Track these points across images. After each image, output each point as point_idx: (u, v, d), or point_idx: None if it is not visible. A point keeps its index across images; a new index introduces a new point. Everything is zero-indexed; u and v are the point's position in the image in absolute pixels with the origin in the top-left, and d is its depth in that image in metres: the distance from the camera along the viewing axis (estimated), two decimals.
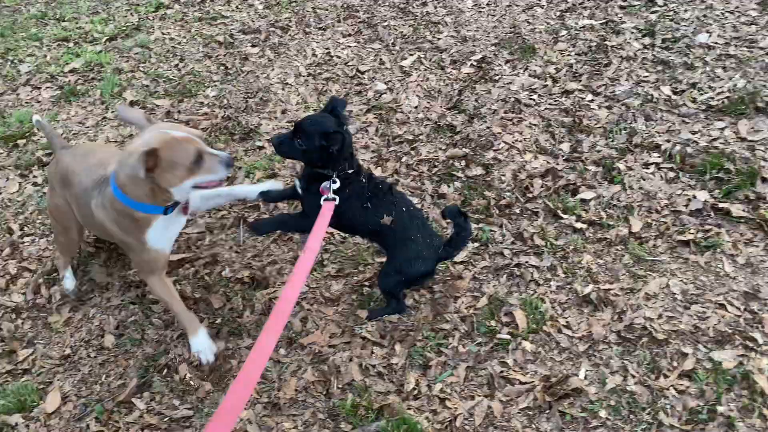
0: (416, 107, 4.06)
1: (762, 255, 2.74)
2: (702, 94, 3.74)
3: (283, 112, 4.18)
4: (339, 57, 4.66)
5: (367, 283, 2.93)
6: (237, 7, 5.53)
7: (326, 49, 4.77)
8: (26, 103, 4.55)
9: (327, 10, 5.28)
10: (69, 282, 3.03)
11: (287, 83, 4.45)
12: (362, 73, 4.45)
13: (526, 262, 2.89)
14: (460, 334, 2.63)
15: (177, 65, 4.82)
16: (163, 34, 5.25)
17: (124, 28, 5.36)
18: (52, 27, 5.53)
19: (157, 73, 4.70)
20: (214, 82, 4.56)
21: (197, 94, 4.44)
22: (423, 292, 2.84)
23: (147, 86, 4.56)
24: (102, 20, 5.52)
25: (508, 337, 2.56)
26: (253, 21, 5.26)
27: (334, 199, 2.37)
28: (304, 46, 4.83)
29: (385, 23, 4.97)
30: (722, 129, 3.48)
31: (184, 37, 5.17)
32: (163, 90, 4.52)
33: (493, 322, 2.63)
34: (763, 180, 3.07)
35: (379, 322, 2.71)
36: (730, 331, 2.45)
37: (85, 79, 4.75)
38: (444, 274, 2.91)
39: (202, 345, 2.57)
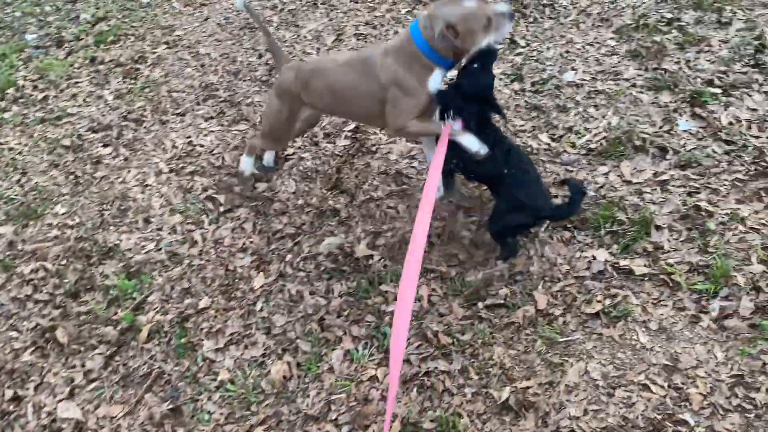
0: (294, 193, 3.74)
1: (672, 315, 2.61)
2: (580, 137, 3.66)
3: (147, 220, 3.74)
4: (202, 145, 4.27)
5: None
6: (84, 101, 5.02)
7: (187, 138, 4.37)
8: None
9: (184, 92, 4.88)
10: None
11: (147, 185, 4.01)
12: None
13: (436, 368, 2.61)
14: None
15: (19, 181, 4.26)
16: (0, 144, 4.66)
17: None
18: None
19: None
20: (63, 195, 4.04)
21: (44, 214, 3.91)
22: (329, 429, 2.49)
23: None
24: None
25: None
26: (103, 116, 4.77)
27: None
28: (162, 138, 4.40)
29: (249, 100, 4.63)
30: (606, 174, 3.40)
31: (26, 145, 4.61)
32: (4, 214, 3.95)
33: None
34: (657, 228, 2.97)
35: None
36: (659, 416, 2.27)
37: None
38: (350, 400, 2.58)
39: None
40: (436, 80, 2.73)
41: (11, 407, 2.83)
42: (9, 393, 2.88)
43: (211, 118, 4.55)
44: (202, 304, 3.16)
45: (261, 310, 3.07)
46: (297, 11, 5.70)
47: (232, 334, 2.98)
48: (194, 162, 4.13)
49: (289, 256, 3.32)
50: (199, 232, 3.59)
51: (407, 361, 2.67)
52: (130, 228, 3.70)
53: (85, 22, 6.30)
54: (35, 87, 5.36)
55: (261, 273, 3.26)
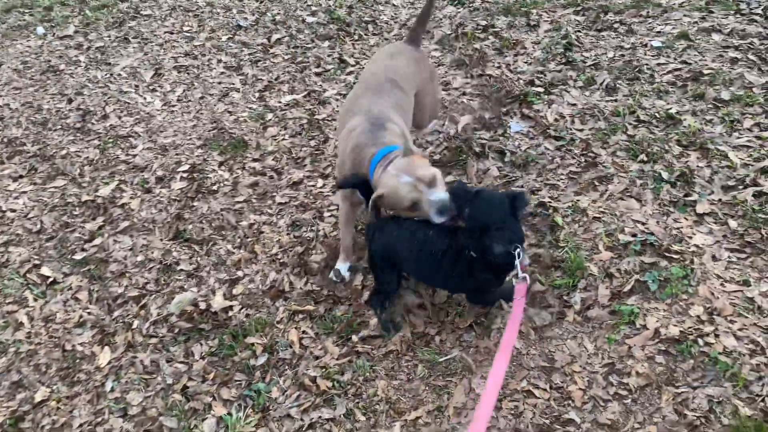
0: (131, 249, 3.37)
1: (539, 315, 2.66)
2: (424, 150, 3.67)
3: None
4: (14, 210, 3.73)
5: None
6: None
7: None
8: None
9: None
10: None
11: None
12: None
13: (320, 417, 2.43)
14: None
15: None
16: None
17: None
18: None
19: None
20: None
21: None
22: None
23: None
24: None
25: None
26: None
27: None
28: None
29: (64, 151, 4.14)
30: (452, 182, 3.43)
31: None
32: None
33: None
34: None
35: None
36: (547, 421, 2.28)
37: None
38: None
39: None
40: None
41: None
42: None
43: (21, 177, 4.00)
44: (39, 397, 2.72)
45: (112, 390, 2.70)
46: (106, 48, 5.24)
47: (81, 425, 2.58)
48: (6, 231, 3.59)
49: (136, 323, 2.97)
50: (24, 311, 3.11)
51: (287, 416, 2.47)
52: None
53: None
54: None
55: (106, 347, 2.88)
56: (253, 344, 2.74)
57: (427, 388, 2.49)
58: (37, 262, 3.37)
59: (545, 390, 2.39)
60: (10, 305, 3.16)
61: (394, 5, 5.42)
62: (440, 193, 2.44)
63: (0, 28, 5.83)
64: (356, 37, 4.99)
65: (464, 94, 4.06)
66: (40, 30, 5.73)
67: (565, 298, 2.72)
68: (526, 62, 4.27)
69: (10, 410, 2.68)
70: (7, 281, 3.27)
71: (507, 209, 2.27)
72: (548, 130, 3.61)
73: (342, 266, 3.00)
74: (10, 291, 3.22)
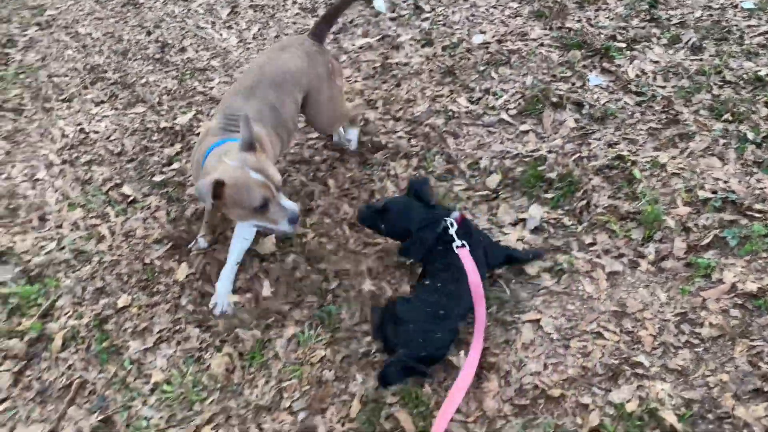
0: None
1: (613, 263, 2.66)
2: (498, 98, 3.65)
3: (42, 218, 3.34)
4: (97, 132, 3.88)
5: None
6: None
7: (78, 125, 3.95)
8: None
9: (67, 76, 4.42)
10: None
11: (37, 179, 3.59)
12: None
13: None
14: None
15: None
16: None
17: None
18: None
19: None
20: None
21: None
22: (283, 419, 2.33)
23: None
24: None
25: None
26: None
27: None
28: (48, 127, 3.95)
29: (143, 80, 4.26)
30: (527, 132, 3.41)
31: None
32: None
33: None
34: (586, 180, 3.02)
35: None
36: (616, 362, 2.30)
37: None
38: (302, 384, 2.43)
39: None
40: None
41: None
42: None
43: (103, 102, 4.15)
44: (121, 303, 2.87)
45: (188, 303, 2.83)
46: None
47: (160, 331, 2.72)
48: (90, 151, 3.75)
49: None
50: (106, 225, 3.26)
51: (355, 339, 2.55)
52: (24, 228, 3.29)
53: None
54: None
55: (183, 263, 3.00)
56: (325, 269, 2.82)
57: (494, 321, 2.52)
58: (118, 181, 3.51)
59: (615, 333, 2.40)
60: (93, 219, 3.31)
61: None
62: (289, 201, 2.35)
63: None
64: None
65: (542, 45, 4.00)
66: None
67: (639, 248, 2.70)
68: (607, 17, 4.16)
69: (95, 313, 2.83)
70: (91, 197, 3.42)
71: (417, 206, 2.55)
72: (629, 86, 3.54)
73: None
74: (93, 206, 3.37)
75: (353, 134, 3.40)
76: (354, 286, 2.74)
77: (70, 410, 2.49)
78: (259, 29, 4.68)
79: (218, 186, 2.18)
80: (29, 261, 3.09)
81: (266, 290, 2.79)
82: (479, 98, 3.70)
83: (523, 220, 2.90)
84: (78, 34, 4.86)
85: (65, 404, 2.50)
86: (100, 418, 2.44)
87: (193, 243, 3.05)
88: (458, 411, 2.24)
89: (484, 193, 3.09)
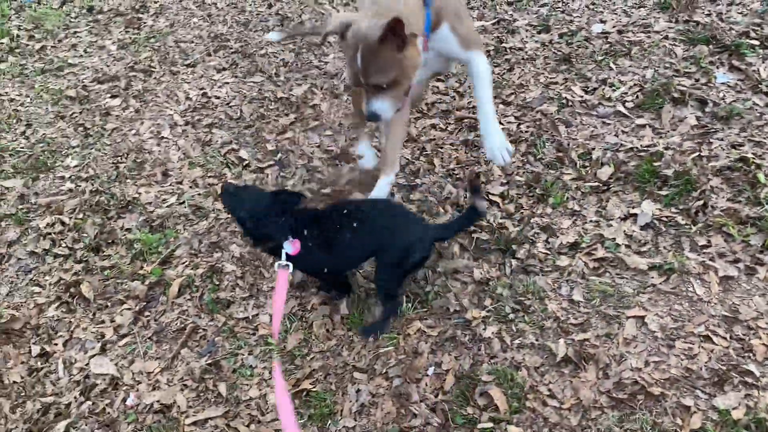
0: (318, 146, 3.60)
1: (727, 267, 2.55)
2: (615, 90, 3.55)
3: (165, 173, 3.58)
4: (218, 97, 4.09)
5: None
6: (86, 52, 4.79)
7: (201, 89, 4.18)
8: None
9: (192, 42, 4.67)
10: None
11: (162, 137, 3.84)
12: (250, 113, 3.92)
13: (484, 326, 2.53)
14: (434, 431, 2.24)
15: (24, 133, 4.05)
16: (7, 94, 4.42)
17: None
18: None
19: None
20: (74, 148, 3.85)
21: (55, 167, 3.73)
22: (379, 383, 2.42)
23: None
24: None
25: (491, 425, 2.19)
26: (107, 66, 4.55)
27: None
28: (174, 90, 4.21)
29: (263, 51, 4.44)
30: (644, 126, 3.31)
31: (27, 96, 4.39)
32: (11, 167, 3.76)
33: (469, 409, 2.26)
34: (704, 180, 2.90)
35: None
36: (723, 368, 2.23)
37: None
38: (398, 353, 2.50)
39: None
40: None
41: (39, 363, 2.71)
42: (36, 349, 2.75)
43: (224, 69, 4.36)
44: (232, 259, 3.04)
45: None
46: None
47: (268, 290, 2.87)
48: (211, 114, 3.96)
49: None
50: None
51: (449, 318, 2.59)
52: (149, 181, 3.54)
53: None
54: (31, 37, 5.10)
55: None
56: None
57: (597, 314, 2.49)
58: (235, 146, 3.70)
59: (725, 339, 2.31)
60: (211, 178, 3.51)
61: None
62: None
63: None
64: None
65: (666, 38, 3.84)
66: None
67: (758, 255, 2.57)
68: (740, 13, 3.93)
69: (209, 265, 3.02)
70: (210, 158, 3.62)
71: (265, 205, 2.44)
72: (759, 86, 3.34)
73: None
74: (211, 166, 3.57)
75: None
76: (450, 271, 2.77)
77: (183, 351, 2.69)
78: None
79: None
80: (152, 212, 3.33)
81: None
82: (595, 88, 3.61)
83: (634, 215, 2.83)
84: (204, 3, 5.12)
85: (179, 346, 2.70)
86: (209, 361, 2.61)
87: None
88: (553, 397, 2.24)
89: (594, 184, 3.03)
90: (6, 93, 4.46)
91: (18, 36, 5.10)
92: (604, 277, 2.63)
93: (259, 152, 3.62)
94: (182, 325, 2.79)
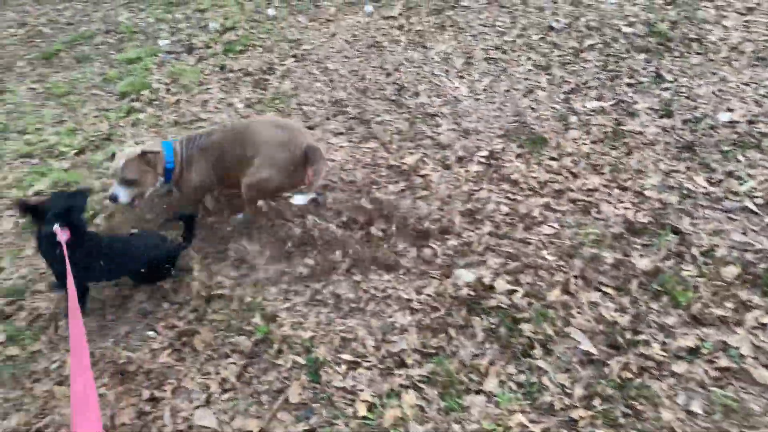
0: (428, 214, 3.64)
1: None
2: (743, 184, 3.38)
3: None
4: (334, 160, 4.25)
5: None
6: (215, 108, 5.14)
7: None
8: None
9: (314, 106, 4.91)
10: None
11: None
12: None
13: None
14: None
15: None
16: (135, 144, 4.79)
17: (93, 139, 4.90)
18: (13, 142, 5.04)
19: None
20: None
21: None
22: None
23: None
24: (69, 131, 5.05)
25: None
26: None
27: None
28: None
29: (379, 118, 4.60)
30: None
31: None
32: None
33: None
34: None
35: None
36: None
37: None
38: None
39: None
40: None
41: (148, 408, 2.83)
42: (146, 393, 2.88)
43: (341, 133, 4.54)
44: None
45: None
46: (424, 32, 5.67)
47: (370, 367, 2.87)
48: (325, 177, 4.11)
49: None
50: None
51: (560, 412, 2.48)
52: None
53: (214, 30, 6.50)
54: (168, 90, 5.54)
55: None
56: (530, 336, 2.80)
57: (717, 431, 2.31)
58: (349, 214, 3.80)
59: None
60: None
61: (724, 26, 5.02)
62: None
63: (335, 3, 6.64)
64: (677, 53, 4.73)
65: None
66: (369, 8, 6.40)
67: None
68: None
69: (311, 329, 3.07)
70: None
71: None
72: None
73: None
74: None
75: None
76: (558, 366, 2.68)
77: (280, 414, 2.73)
78: (490, 81, 4.83)
79: None
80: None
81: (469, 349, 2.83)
82: (720, 180, 3.46)
83: (763, 324, 2.63)
84: (327, 69, 5.39)
85: (277, 407, 2.74)
86: (305, 428, 2.63)
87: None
88: None
89: (718, 283, 2.86)
90: (141, 141, 4.83)
91: (157, 89, 5.56)
92: (727, 390, 2.45)
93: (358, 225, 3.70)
94: (281, 386, 2.84)
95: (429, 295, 3.12)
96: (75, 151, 4.78)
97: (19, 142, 4.99)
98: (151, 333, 3.10)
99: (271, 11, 6.69)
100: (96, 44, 6.49)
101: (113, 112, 5.24)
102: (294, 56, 5.71)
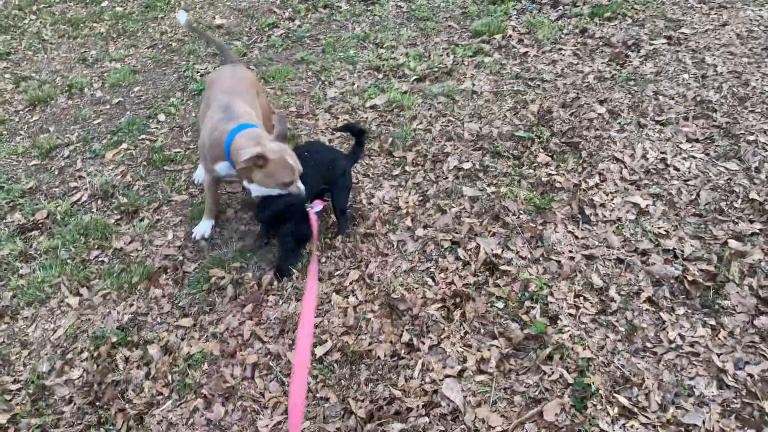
0: None
1: None
2: None
3: None
4: (677, 169, 3.64)
5: None
6: (562, 72, 4.78)
7: (661, 152, 3.78)
8: (321, 132, 4.34)
9: (673, 99, 4.26)
10: None
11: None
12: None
13: None
14: None
15: (479, 129, 4.24)
16: (473, 85, 4.72)
17: (436, 70, 4.95)
18: (369, 52, 5.35)
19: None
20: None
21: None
22: None
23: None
24: (417, 56, 5.18)
25: None
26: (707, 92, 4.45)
27: None
28: (633, 142, 3.89)
29: (752, 137, 3.79)
30: None
31: (495, 95, 4.58)
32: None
33: None
34: None
35: None
36: None
37: (382, 120, 4.41)
38: None
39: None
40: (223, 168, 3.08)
41: (403, 351, 2.78)
42: (406, 336, 2.83)
43: (697, 141, 3.86)
44: None
45: None
46: None
47: (646, 425, 2.42)
48: (660, 184, 3.55)
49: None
50: None
51: None
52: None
53: None
54: (521, 41, 5.32)
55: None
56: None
57: None
58: (670, 229, 3.23)
59: None
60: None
61: None
62: (302, 185, 2.91)
63: None
64: None
65: None
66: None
67: None
68: None
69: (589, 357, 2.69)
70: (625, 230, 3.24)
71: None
72: None
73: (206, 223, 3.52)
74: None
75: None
76: None
77: (528, 426, 2.46)
78: None
79: (260, 158, 2.73)
80: None
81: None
82: None
83: None
84: (702, 62, 4.62)
85: (527, 417, 2.48)
86: None
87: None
88: None
89: None
90: (480, 86, 4.72)
91: (510, 36, 5.38)
92: None
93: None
94: (539, 396, 2.55)
95: (750, 375, 2.50)
96: (416, 77, 4.87)
97: (373, 54, 5.28)
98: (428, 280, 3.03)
99: None
100: None
101: (461, 48, 5.21)
102: (668, 37, 5.02)
